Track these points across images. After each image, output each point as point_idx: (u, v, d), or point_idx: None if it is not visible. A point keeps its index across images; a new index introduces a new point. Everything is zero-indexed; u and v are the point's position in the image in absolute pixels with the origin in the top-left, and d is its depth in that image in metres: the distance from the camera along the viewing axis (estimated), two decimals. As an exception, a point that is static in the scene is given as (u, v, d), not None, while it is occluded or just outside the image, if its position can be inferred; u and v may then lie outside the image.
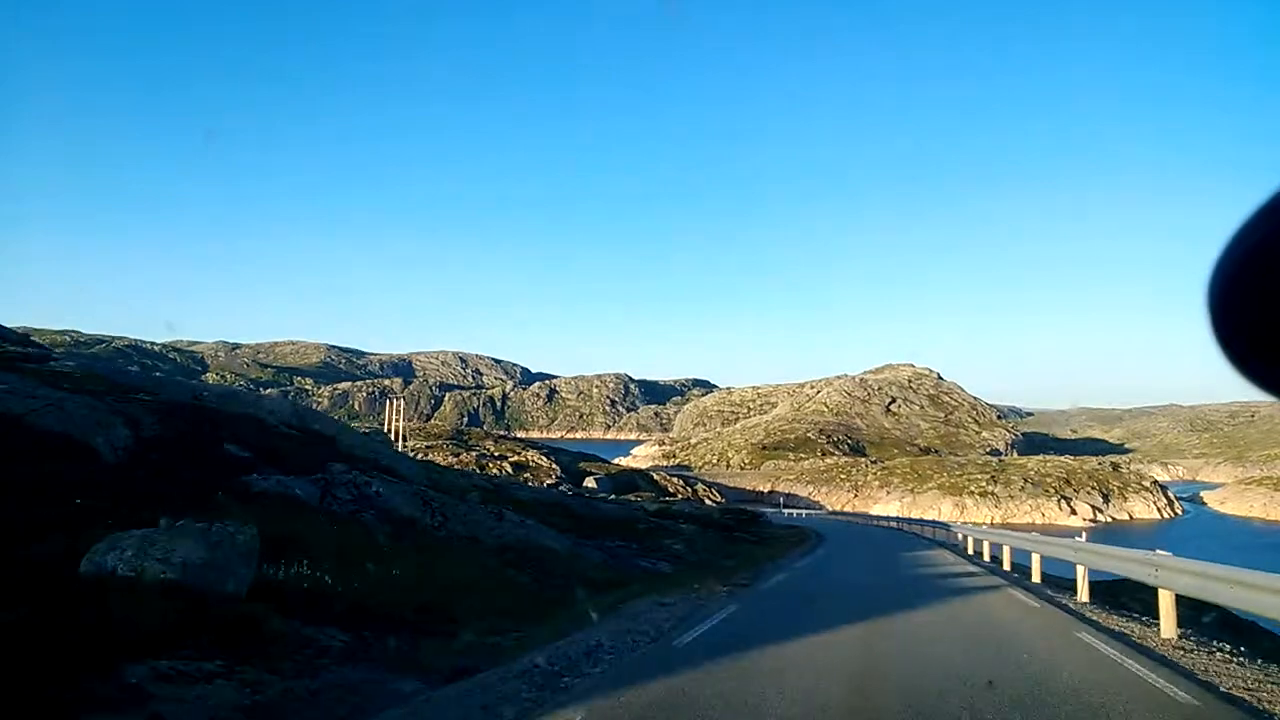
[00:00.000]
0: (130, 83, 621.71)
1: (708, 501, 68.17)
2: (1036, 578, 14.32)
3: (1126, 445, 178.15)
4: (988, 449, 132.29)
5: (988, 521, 68.12)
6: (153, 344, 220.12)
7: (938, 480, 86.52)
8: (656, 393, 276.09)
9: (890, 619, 9.25)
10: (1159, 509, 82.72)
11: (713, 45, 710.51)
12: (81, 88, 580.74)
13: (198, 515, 7.22)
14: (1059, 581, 14.28)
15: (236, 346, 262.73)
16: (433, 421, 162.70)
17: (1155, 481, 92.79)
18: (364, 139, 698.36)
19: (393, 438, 68.21)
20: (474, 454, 67.50)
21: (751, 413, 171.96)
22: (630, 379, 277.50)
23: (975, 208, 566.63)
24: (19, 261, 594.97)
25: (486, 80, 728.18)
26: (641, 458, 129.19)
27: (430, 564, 10.13)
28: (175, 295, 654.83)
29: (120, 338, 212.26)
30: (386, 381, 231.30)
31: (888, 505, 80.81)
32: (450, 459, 63.31)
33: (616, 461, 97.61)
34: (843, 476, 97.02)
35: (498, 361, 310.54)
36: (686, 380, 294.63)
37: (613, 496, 47.71)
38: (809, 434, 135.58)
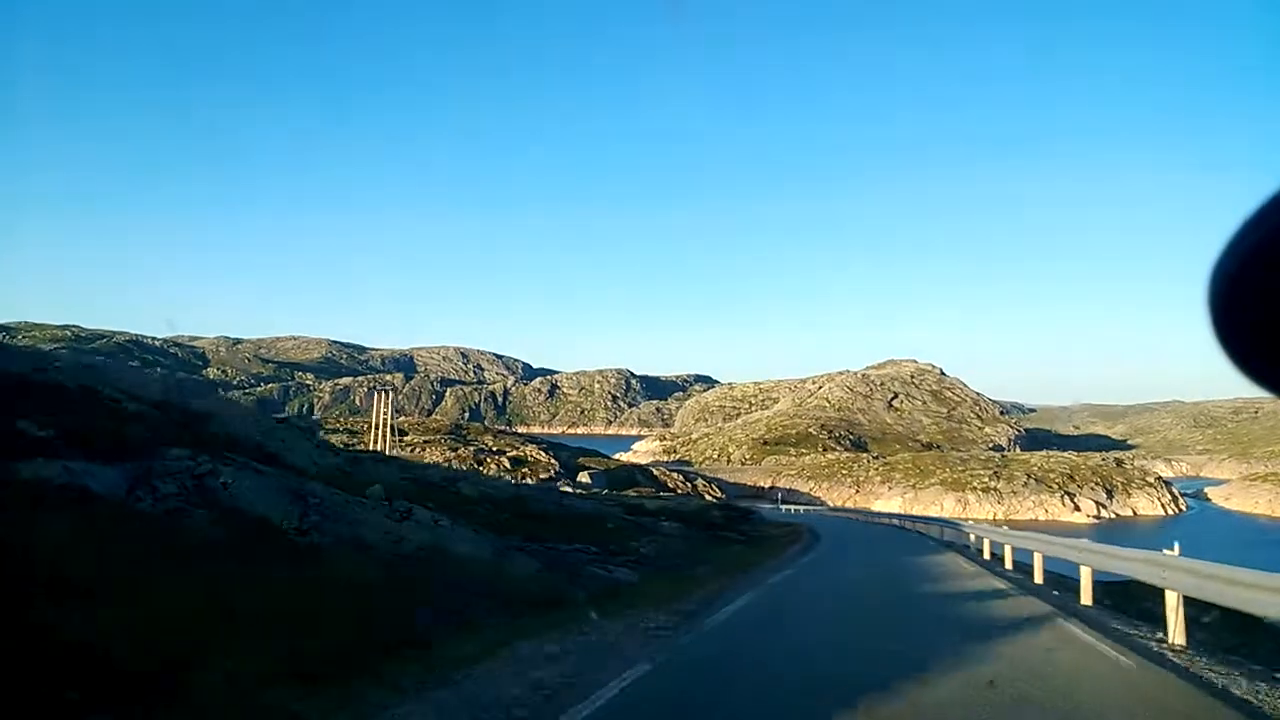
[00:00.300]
0: (131, 78, 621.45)
1: (707, 497, 67.73)
2: (1086, 598, 11.39)
3: (1129, 441, 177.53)
4: (990, 445, 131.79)
5: (990, 518, 67.61)
6: (153, 339, 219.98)
7: (940, 476, 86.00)
8: (658, 388, 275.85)
9: (897, 694, 5.67)
10: (1163, 505, 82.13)
11: (714, 44, 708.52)
12: (81, 80, 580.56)
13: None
14: (1113, 598, 11.62)
15: (238, 342, 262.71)
16: (434, 417, 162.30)
17: (1159, 478, 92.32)
18: (365, 134, 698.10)
19: (384, 432, 67.93)
20: (472, 449, 67.16)
21: (753, 408, 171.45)
22: (632, 374, 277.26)
23: (978, 203, 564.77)
24: (18, 257, 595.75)
25: (488, 77, 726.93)
26: (642, 453, 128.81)
27: (232, 589, 7.06)
28: (177, 291, 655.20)
29: (121, 333, 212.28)
30: (388, 377, 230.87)
31: (890, 501, 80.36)
32: (448, 454, 62.97)
33: (617, 457, 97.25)
34: (844, 472, 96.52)
35: (499, 357, 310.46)
36: (688, 376, 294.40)
37: (605, 492, 47.14)
38: (810, 429, 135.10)
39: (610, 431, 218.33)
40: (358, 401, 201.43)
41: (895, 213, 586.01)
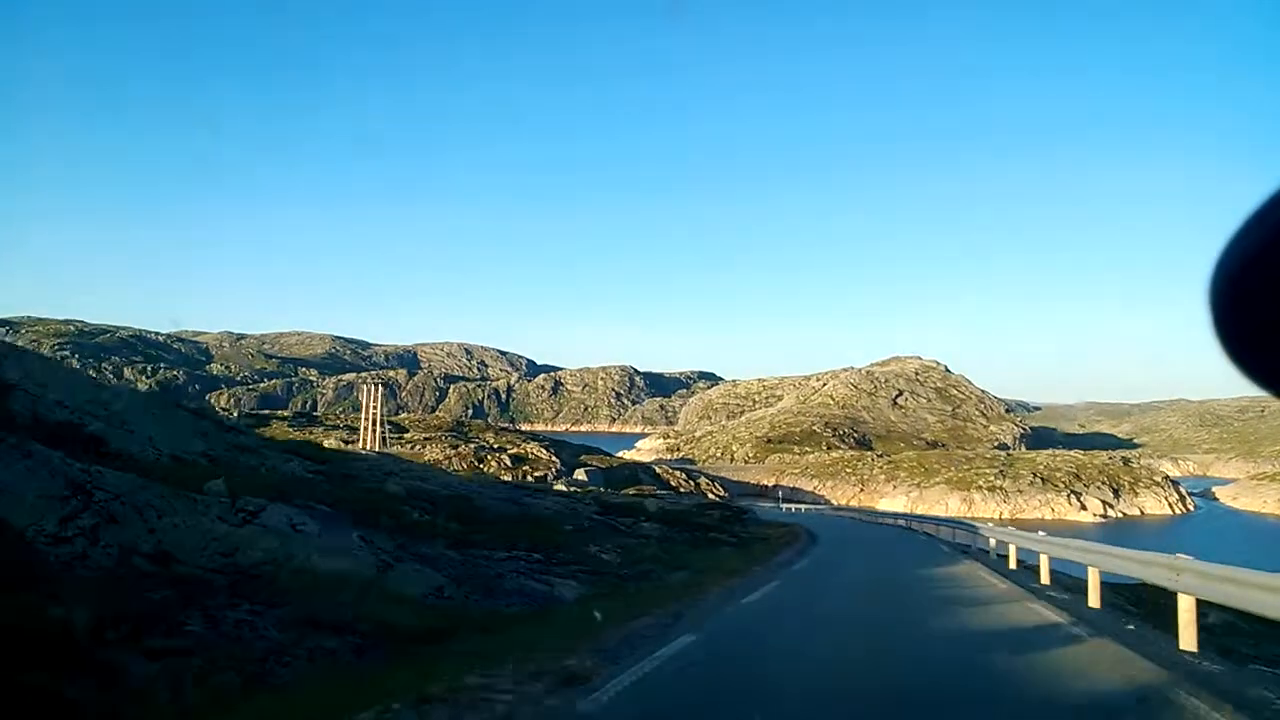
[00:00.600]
0: (134, 72, 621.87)
1: (710, 495, 67.21)
2: (1189, 642, 7.29)
3: (1135, 440, 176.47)
4: (995, 443, 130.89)
5: (996, 517, 66.95)
6: (157, 334, 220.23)
7: (945, 475, 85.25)
8: (662, 385, 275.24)
9: None
10: (1171, 505, 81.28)
11: (716, 42, 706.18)
12: (85, 76, 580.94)
13: None
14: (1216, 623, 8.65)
15: (241, 337, 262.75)
16: (437, 413, 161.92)
17: (1166, 477, 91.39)
18: (368, 130, 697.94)
19: (376, 428, 67.47)
20: (473, 446, 66.65)
21: (757, 405, 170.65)
22: (636, 371, 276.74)
23: (983, 200, 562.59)
24: (22, 250, 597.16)
25: (491, 73, 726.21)
26: (646, 451, 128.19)
27: None
28: (181, 286, 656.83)
29: (125, 328, 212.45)
30: (391, 373, 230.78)
31: (894, 500, 79.68)
32: (448, 452, 62.49)
33: (620, 454, 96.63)
34: (848, 471, 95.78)
35: (503, 353, 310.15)
36: (692, 373, 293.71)
37: (600, 490, 46.42)
38: (814, 427, 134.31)
39: (614, 429, 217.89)
40: (361, 398, 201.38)
41: (901, 209, 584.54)
